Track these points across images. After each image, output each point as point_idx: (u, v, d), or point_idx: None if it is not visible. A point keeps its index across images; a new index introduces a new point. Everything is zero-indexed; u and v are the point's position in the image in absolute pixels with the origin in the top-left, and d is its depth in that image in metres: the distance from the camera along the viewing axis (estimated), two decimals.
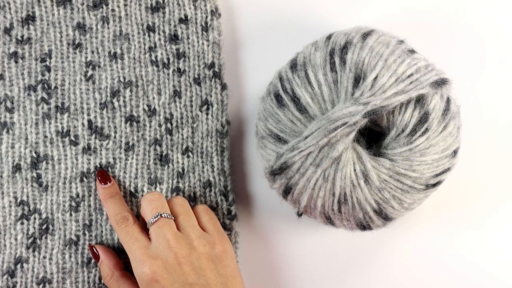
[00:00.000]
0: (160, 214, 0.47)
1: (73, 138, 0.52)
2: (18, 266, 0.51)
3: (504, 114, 0.56)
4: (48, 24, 0.52)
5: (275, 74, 0.48)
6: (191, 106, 0.54)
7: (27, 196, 0.52)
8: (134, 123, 0.53)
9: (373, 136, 0.48)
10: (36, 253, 0.51)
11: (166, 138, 0.53)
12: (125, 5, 0.53)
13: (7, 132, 0.52)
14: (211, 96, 0.53)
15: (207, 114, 0.54)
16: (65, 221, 0.52)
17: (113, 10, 0.53)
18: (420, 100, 0.44)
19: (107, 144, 0.53)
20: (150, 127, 0.53)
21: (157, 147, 0.53)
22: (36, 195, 0.52)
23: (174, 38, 0.53)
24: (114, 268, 0.50)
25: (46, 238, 0.52)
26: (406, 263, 0.55)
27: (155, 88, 0.53)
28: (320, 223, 0.48)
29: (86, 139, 0.52)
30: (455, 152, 0.46)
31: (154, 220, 0.47)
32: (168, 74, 0.53)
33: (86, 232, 0.52)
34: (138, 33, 0.53)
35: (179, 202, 0.50)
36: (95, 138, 0.53)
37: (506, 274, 0.55)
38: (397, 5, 0.56)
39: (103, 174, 0.51)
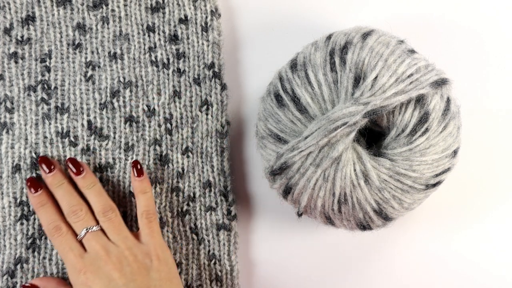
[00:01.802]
0: (87, 229, 0.49)
1: (72, 139, 0.52)
2: (18, 266, 0.51)
3: (504, 114, 0.56)
4: (48, 25, 0.52)
5: (275, 74, 0.48)
6: (191, 106, 0.53)
7: (27, 197, 0.51)
8: (134, 123, 0.53)
9: (373, 136, 0.48)
10: (36, 253, 0.51)
11: (166, 138, 0.53)
12: (125, 5, 0.53)
13: (7, 132, 0.52)
14: (211, 96, 0.53)
15: (207, 114, 0.54)
16: None
17: (113, 10, 0.53)
18: (420, 100, 0.44)
19: (107, 144, 0.53)
20: (149, 127, 0.53)
21: (157, 147, 0.53)
22: None
23: (174, 38, 0.53)
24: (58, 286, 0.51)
25: (46, 238, 0.52)
26: (406, 263, 0.55)
27: (155, 88, 0.53)
28: (320, 223, 0.48)
29: (85, 140, 0.52)
30: (455, 152, 0.46)
31: (82, 235, 0.49)
32: (168, 74, 0.53)
33: None
34: (138, 33, 0.53)
35: (107, 217, 0.50)
36: (95, 138, 0.52)
37: (506, 274, 0.55)
38: (397, 5, 0.56)
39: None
